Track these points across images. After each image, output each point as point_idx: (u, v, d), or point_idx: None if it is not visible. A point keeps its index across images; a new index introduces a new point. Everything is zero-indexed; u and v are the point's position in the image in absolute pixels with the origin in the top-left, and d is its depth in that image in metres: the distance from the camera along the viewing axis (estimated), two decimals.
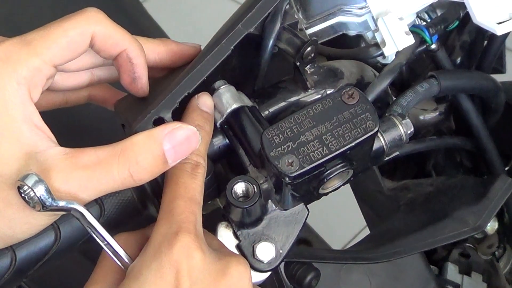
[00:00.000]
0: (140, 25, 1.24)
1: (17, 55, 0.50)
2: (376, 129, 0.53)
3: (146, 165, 0.51)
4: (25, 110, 0.50)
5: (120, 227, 0.59)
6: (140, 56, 0.57)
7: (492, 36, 0.74)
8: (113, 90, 0.66)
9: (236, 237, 0.57)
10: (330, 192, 0.58)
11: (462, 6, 0.67)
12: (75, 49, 0.53)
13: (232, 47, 0.57)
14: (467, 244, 0.84)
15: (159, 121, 0.55)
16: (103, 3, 1.14)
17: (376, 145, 0.59)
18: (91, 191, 0.50)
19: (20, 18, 1.08)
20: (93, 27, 0.53)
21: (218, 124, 0.59)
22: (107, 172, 0.50)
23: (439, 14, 0.72)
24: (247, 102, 0.60)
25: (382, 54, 0.66)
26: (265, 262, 0.56)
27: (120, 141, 0.51)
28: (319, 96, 0.65)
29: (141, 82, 0.58)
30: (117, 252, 0.51)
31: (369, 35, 0.67)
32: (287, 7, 0.61)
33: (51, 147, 0.50)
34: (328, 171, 0.55)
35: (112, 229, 0.58)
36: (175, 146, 0.51)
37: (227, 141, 0.60)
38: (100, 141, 0.52)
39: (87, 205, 0.52)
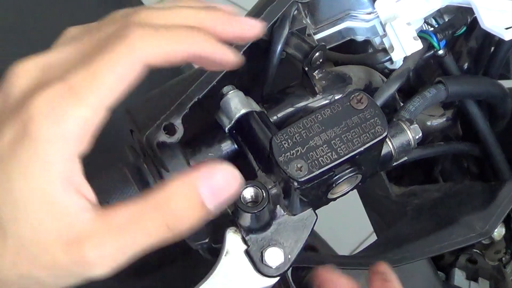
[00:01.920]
0: None
1: (62, 108, 0.44)
2: (385, 134, 0.53)
3: (184, 215, 0.46)
4: (66, 169, 0.45)
5: None
6: (206, 46, 0.49)
7: (499, 42, 0.74)
8: None
9: (245, 242, 0.56)
10: (339, 197, 0.58)
11: (470, 11, 0.67)
12: (126, 82, 0.46)
13: (241, 53, 0.57)
14: (474, 250, 0.83)
15: (169, 127, 0.55)
16: (105, 6, 1.15)
17: (384, 150, 0.59)
18: (127, 252, 0.46)
19: (26, 22, 1.09)
20: (141, 53, 0.46)
21: (226, 129, 0.60)
22: (142, 229, 0.46)
23: (446, 19, 0.72)
24: (256, 107, 0.60)
25: (390, 60, 0.66)
26: (273, 267, 0.56)
27: (152, 189, 0.47)
28: (327, 101, 0.65)
29: (227, 59, 0.51)
30: None
31: (377, 40, 0.67)
32: (295, 13, 0.62)
33: (84, 210, 0.46)
34: (337, 176, 0.55)
35: None
36: (213, 190, 0.46)
37: (236, 146, 0.60)
38: (105, 145, 0.52)
39: None
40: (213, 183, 0.46)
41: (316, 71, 0.65)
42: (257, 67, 0.63)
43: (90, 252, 0.44)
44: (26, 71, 0.47)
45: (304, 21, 0.64)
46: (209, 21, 0.50)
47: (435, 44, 0.69)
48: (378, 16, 0.65)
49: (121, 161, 0.53)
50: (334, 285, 0.58)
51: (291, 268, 0.59)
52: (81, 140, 0.45)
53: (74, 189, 0.45)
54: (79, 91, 0.44)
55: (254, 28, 0.51)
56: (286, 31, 0.61)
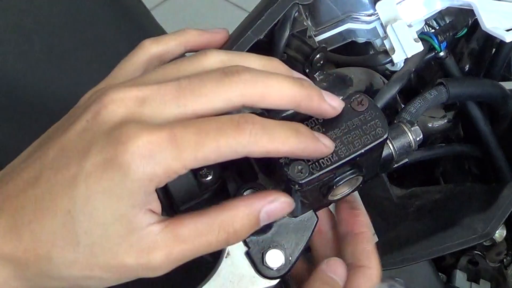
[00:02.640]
0: (149, 33, 1.24)
1: (161, 155, 0.46)
2: (385, 136, 0.53)
3: (242, 231, 0.51)
4: (147, 200, 0.48)
5: None
6: (307, 149, 0.52)
7: (500, 44, 0.74)
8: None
9: (246, 244, 0.56)
10: (340, 199, 0.58)
11: (471, 13, 0.67)
12: (216, 161, 0.49)
13: None
14: (476, 252, 0.83)
15: None
16: (111, 12, 1.15)
17: (385, 152, 0.59)
18: (188, 257, 0.50)
19: (26, 22, 1.09)
20: (247, 149, 0.49)
21: None
22: (205, 242, 0.50)
23: (447, 21, 0.72)
24: (256, 108, 0.60)
25: (391, 61, 0.66)
26: (274, 269, 0.56)
27: (217, 207, 0.51)
28: None
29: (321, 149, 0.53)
30: None
31: (378, 42, 0.67)
32: (296, 15, 0.62)
33: (154, 223, 0.49)
34: (338, 178, 0.55)
35: None
36: (269, 214, 0.52)
37: None
38: None
39: None
40: (271, 209, 0.52)
41: (317, 73, 0.65)
42: None
43: (157, 259, 0.49)
44: (122, 99, 0.49)
45: (305, 23, 0.64)
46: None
47: (436, 46, 0.69)
48: (379, 18, 0.65)
49: None
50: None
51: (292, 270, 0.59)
52: (165, 181, 0.48)
53: (150, 213, 0.49)
54: (183, 149, 0.47)
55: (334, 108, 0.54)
56: (287, 33, 0.61)
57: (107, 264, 0.49)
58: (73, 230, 0.48)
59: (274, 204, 0.52)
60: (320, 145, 0.52)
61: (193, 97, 0.49)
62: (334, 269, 0.59)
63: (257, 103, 0.51)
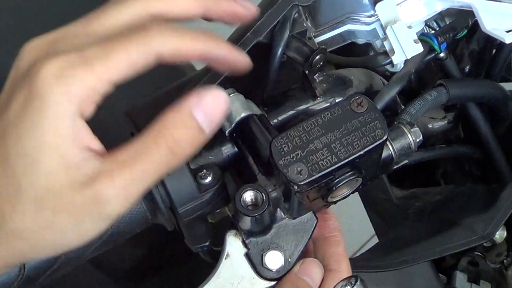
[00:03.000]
0: None
1: (72, 73, 0.48)
2: (385, 138, 0.53)
3: (184, 139, 0.50)
4: (73, 126, 0.49)
5: (128, 236, 0.59)
6: (220, 49, 0.54)
7: (500, 45, 0.74)
8: None
9: (245, 245, 0.56)
10: (339, 200, 0.58)
11: (471, 14, 0.67)
12: (136, 69, 0.50)
13: None
14: (476, 253, 0.83)
15: None
16: None
17: (385, 154, 0.59)
18: (138, 183, 0.49)
19: (27, 22, 1.09)
20: (158, 46, 0.50)
21: (227, 132, 0.60)
22: (148, 158, 0.49)
23: (447, 22, 0.72)
24: (256, 110, 0.60)
25: (391, 62, 0.66)
26: (273, 270, 0.56)
27: (150, 126, 0.50)
28: (327, 104, 0.65)
29: (239, 63, 0.55)
30: None
31: (377, 43, 0.67)
32: (296, 16, 0.61)
33: (93, 158, 0.49)
34: (337, 180, 0.55)
35: (120, 238, 0.58)
36: (206, 113, 0.50)
37: (236, 149, 0.60)
38: (106, 148, 0.52)
39: None
40: (204, 105, 0.50)
41: (317, 74, 0.65)
42: (258, 70, 0.63)
43: (102, 187, 0.48)
44: (35, 46, 0.51)
45: (304, 24, 0.64)
46: None
47: (436, 47, 0.69)
48: (379, 19, 0.65)
49: None
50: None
51: None
52: (86, 104, 0.49)
53: (82, 143, 0.49)
54: (92, 62, 0.48)
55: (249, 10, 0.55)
56: (286, 34, 0.61)
57: (54, 205, 0.48)
58: (13, 177, 0.48)
59: (204, 99, 0.50)
60: (234, 51, 0.54)
61: (99, 19, 0.51)
62: (307, 270, 0.58)
63: (164, 12, 0.52)
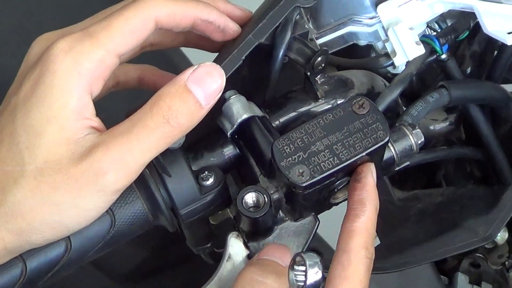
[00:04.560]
0: None
1: (80, 47, 0.51)
2: (386, 139, 0.53)
3: (179, 109, 0.51)
4: (79, 101, 0.51)
5: (129, 237, 0.59)
6: (211, 11, 0.58)
7: (502, 46, 0.74)
8: (163, 73, 0.68)
9: (247, 247, 0.56)
10: (341, 202, 0.58)
11: (473, 16, 0.66)
12: (138, 36, 0.54)
13: (244, 57, 0.57)
14: (477, 254, 0.83)
15: None
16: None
17: (386, 155, 0.59)
18: (137, 154, 0.50)
19: (28, 24, 1.09)
20: (155, 11, 0.54)
21: (228, 134, 0.60)
22: (144, 127, 0.50)
23: (449, 24, 0.72)
24: (258, 112, 0.60)
25: (392, 64, 0.66)
26: None
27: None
28: (329, 106, 0.65)
29: (230, 27, 0.60)
30: None
31: (379, 45, 0.67)
32: (297, 17, 0.61)
33: (93, 134, 0.51)
34: (339, 181, 0.55)
35: (122, 239, 0.58)
36: (201, 84, 0.52)
37: (238, 151, 0.60)
38: None
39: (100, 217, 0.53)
40: (198, 77, 0.52)
41: (319, 76, 0.65)
42: (260, 72, 0.63)
43: (98, 157, 0.50)
44: (46, 37, 0.56)
45: (306, 26, 0.64)
46: None
47: (438, 49, 0.69)
48: (380, 21, 0.65)
49: None
50: None
51: None
52: (95, 79, 0.52)
53: (85, 120, 0.51)
54: (97, 36, 0.52)
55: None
56: (288, 36, 0.61)
57: (53, 179, 0.50)
58: (17, 150, 0.50)
59: (198, 71, 0.52)
60: (224, 16, 0.59)
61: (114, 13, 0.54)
62: (269, 252, 0.55)
63: None
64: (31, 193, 0.50)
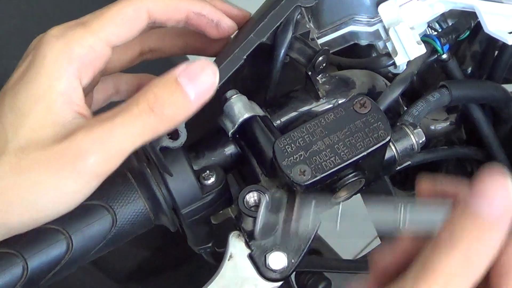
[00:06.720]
0: None
1: (71, 33, 0.52)
2: (388, 138, 0.53)
3: (166, 99, 0.51)
4: (67, 85, 0.51)
5: (131, 237, 0.59)
6: (205, 5, 0.58)
7: (503, 46, 0.74)
8: None
9: (248, 246, 0.56)
10: (342, 201, 0.58)
11: (473, 16, 0.67)
12: (131, 26, 0.54)
13: (245, 57, 0.58)
14: None
15: (172, 132, 0.55)
16: None
17: (388, 155, 0.59)
18: (119, 138, 0.50)
19: (28, 25, 1.09)
20: (147, 2, 0.55)
21: (229, 133, 0.60)
22: (127, 114, 0.50)
23: (450, 24, 0.72)
24: (259, 111, 0.60)
25: (393, 64, 0.66)
26: (277, 271, 0.56)
27: None
28: (330, 105, 0.65)
29: (225, 22, 0.60)
30: None
31: (380, 44, 0.67)
32: (298, 17, 0.62)
33: (78, 118, 0.51)
34: (340, 181, 0.55)
35: (123, 239, 0.58)
36: (191, 78, 0.51)
37: (239, 150, 0.61)
38: None
39: (100, 214, 0.53)
40: (190, 72, 0.52)
41: (320, 76, 0.65)
42: (261, 72, 0.63)
43: (80, 138, 0.50)
44: (44, 35, 0.55)
45: (307, 26, 0.64)
46: None
47: (439, 49, 0.69)
48: (381, 21, 0.65)
49: (124, 165, 0.53)
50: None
51: (294, 272, 0.60)
52: (85, 66, 0.53)
53: (73, 105, 0.52)
54: (89, 24, 0.53)
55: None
56: (289, 36, 0.61)
57: (34, 158, 0.50)
58: (2, 130, 0.51)
59: (191, 66, 0.52)
60: (218, 11, 0.60)
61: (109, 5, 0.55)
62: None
63: None
64: (10, 169, 0.50)
